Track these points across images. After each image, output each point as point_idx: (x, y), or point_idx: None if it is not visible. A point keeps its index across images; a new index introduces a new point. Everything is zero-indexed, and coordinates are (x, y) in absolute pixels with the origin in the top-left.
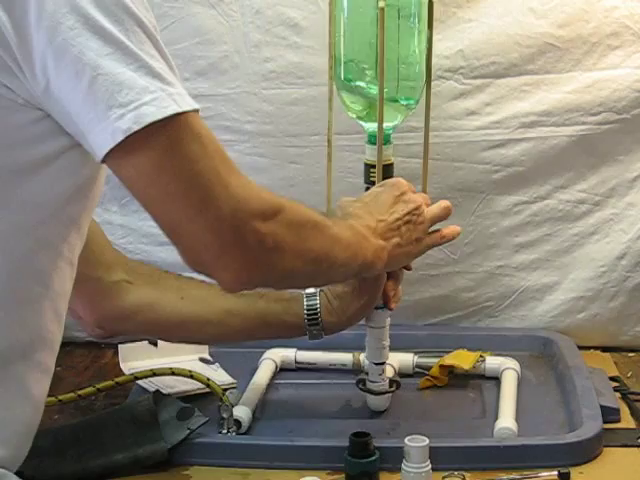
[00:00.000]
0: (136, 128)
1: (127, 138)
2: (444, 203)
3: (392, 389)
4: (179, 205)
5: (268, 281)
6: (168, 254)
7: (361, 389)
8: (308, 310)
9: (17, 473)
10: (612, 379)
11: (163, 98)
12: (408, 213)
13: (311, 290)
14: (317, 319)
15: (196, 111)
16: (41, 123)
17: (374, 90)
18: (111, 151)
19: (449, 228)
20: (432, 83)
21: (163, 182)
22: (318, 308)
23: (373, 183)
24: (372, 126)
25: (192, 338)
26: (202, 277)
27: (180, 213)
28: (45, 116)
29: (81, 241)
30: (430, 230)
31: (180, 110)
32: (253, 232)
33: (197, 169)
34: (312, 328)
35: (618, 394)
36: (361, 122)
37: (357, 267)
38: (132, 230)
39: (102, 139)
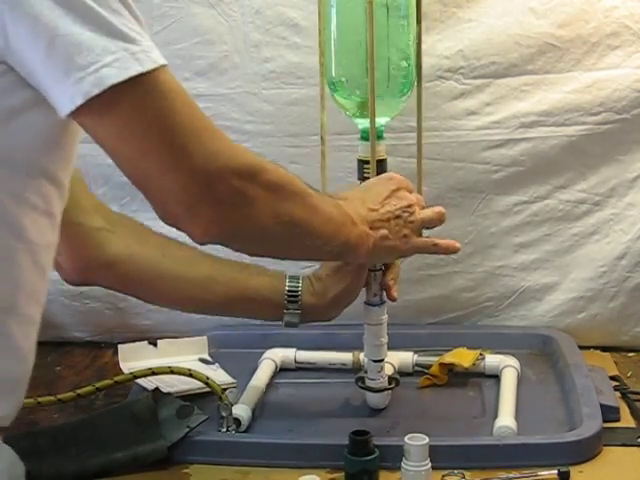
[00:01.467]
0: (97, 91)
1: (89, 101)
2: (438, 208)
3: (391, 386)
4: (150, 161)
5: (238, 237)
6: None
7: (360, 387)
8: (289, 289)
9: None
10: (612, 379)
11: (125, 58)
12: (400, 208)
13: (293, 273)
14: (297, 297)
15: (163, 67)
16: (6, 76)
17: (364, 90)
18: (74, 112)
19: (446, 240)
20: (432, 83)
21: (132, 141)
22: (299, 288)
23: (367, 179)
24: (364, 122)
25: (168, 298)
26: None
27: (152, 169)
28: (9, 69)
29: (60, 192)
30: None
31: (144, 70)
32: (225, 187)
33: (167, 125)
34: (290, 306)
35: (618, 393)
36: (354, 119)
37: (338, 246)
38: None
39: (63, 101)
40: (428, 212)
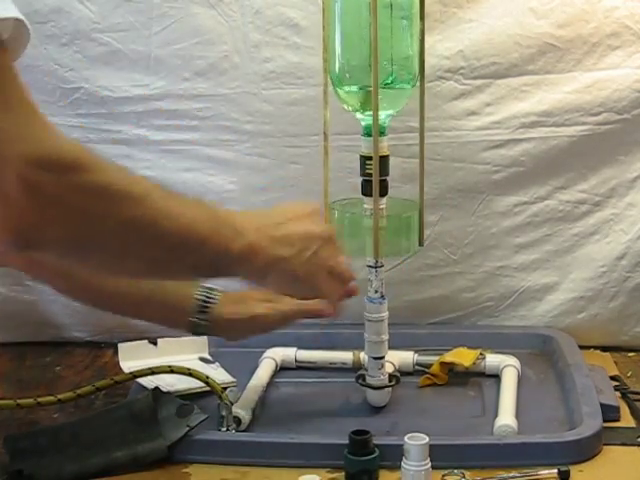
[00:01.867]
0: None
1: None
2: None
3: (392, 384)
4: None
5: (47, 243)
6: None
7: (361, 384)
8: (199, 296)
9: (17, 471)
10: (612, 378)
11: None
12: (309, 237)
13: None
14: (207, 307)
15: None
16: None
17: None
18: None
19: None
20: (432, 84)
21: None
22: (213, 299)
23: (369, 175)
24: (367, 118)
25: (69, 288)
26: None
27: None
28: None
29: None
30: None
31: None
32: (15, 176)
33: None
34: (199, 316)
35: (618, 393)
36: (356, 115)
37: (212, 257)
38: None
39: None
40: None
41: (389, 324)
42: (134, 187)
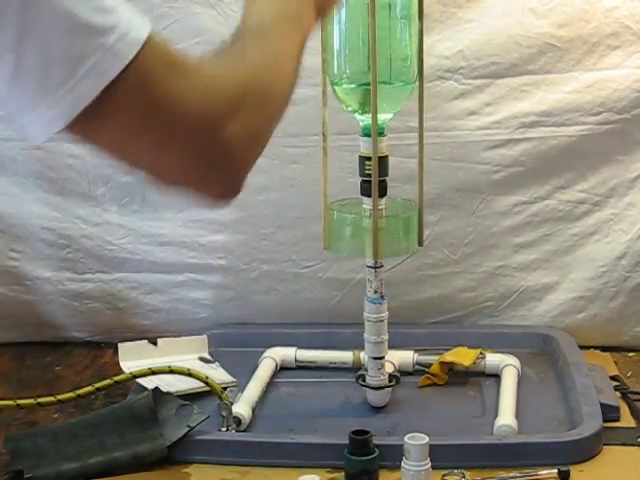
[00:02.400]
0: (75, 114)
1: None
2: None
3: (391, 384)
4: (143, 150)
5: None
6: (168, 254)
7: (361, 384)
8: None
9: (17, 471)
10: (612, 378)
11: (103, 58)
12: None
13: None
14: None
15: (144, 43)
16: None
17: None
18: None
19: None
20: (432, 83)
21: (120, 139)
22: None
23: (368, 175)
24: (366, 119)
25: None
26: None
27: (147, 157)
28: None
29: None
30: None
31: (126, 63)
32: (224, 142)
33: (156, 112)
34: None
35: (618, 393)
36: (355, 115)
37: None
38: (132, 230)
39: (36, 129)
40: None
41: (389, 324)
42: (270, 71)
